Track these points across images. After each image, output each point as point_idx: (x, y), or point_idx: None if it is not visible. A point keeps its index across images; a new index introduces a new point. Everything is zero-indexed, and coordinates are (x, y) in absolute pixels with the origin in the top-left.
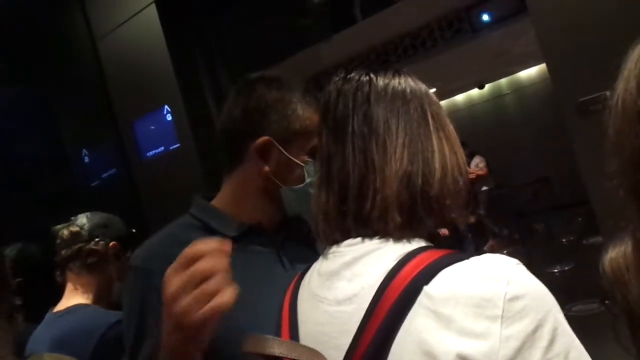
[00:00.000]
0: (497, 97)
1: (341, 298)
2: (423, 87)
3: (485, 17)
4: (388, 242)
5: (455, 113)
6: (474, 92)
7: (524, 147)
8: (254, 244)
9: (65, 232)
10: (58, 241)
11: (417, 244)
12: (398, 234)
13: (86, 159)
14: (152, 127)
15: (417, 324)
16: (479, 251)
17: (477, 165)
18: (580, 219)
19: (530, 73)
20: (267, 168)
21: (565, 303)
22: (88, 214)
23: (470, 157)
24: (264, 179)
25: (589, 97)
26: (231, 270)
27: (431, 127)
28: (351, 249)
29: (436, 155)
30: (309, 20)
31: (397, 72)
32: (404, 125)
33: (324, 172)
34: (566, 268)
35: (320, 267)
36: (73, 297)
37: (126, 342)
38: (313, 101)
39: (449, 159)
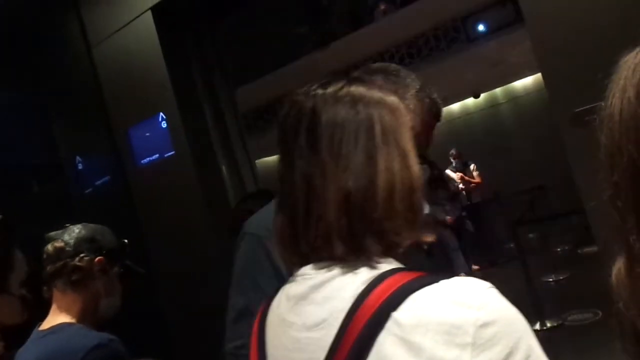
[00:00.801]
0: (492, 106)
1: (310, 323)
2: (376, 97)
3: (481, 27)
4: (356, 263)
5: (451, 122)
6: (470, 101)
7: (520, 156)
8: None
9: (50, 247)
10: (44, 256)
11: (388, 265)
12: (353, 259)
13: (80, 166)
14: (147, 134)
15: (387, 351)
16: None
17: (473, 171)
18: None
19: (526, 83)
20: None
21: (561, 312)
22: (77, 226)
23: (463, 167)
24: None
25: (584, 107)
26: None
27: (378, 143)
28: (319, 271)
29: (381, 173)
30: (305, 28)
31: (349, 83)
32: (347, 144)
33: (280, 195)
34: (561, 277)
35: (289, 290)
36: (58, 316)
37: (236, 292)
38: (426, 99)
39: (399, 176)
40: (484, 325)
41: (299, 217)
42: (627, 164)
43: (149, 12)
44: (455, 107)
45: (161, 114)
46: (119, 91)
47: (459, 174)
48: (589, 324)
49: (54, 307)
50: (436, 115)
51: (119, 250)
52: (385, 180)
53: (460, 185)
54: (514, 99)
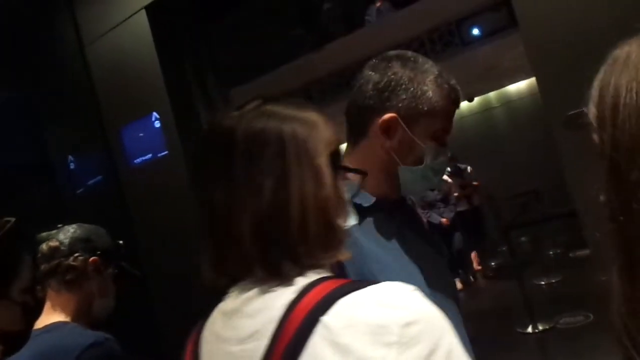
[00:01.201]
0: (486, 110)
1: (243, 336)
2: (290, 115)
3: (475, 31)
4: (288, 276)
5: None
6: (464, 105)
7: (513, 160)
8: (379, 217)
9: (45, 246)
10: (39, 255)
11: (317, 274)
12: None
13: (72, 166)
14: (140, 134)
15: (318, 355)
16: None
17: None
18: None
19: (520, 87)
20: (389, 144)
21: (553, 315)
22: (72, 226)
23: (458, 170)
24: (385, 155)
25: (578, 110)
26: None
27: (290, 164)
28: (253, 285)
29: (293, 197)
30: (300, 30)
31: (264, 103)
32: (259, 168)
33: (201, 219)
34: (553, 280)
35: (222, 307)
36: (52, 315)
37: None
38: (445, 85)
39: (313, 198)
40: (408, 324)
41: (221, 241)
42: None
43: (143, 11)
44: None
45: (154, 113)
46: (112, 90)
47: (458, 180)
48: (581, 327)
49: (47, 306)
50: (455, 101)
51: (113, 251)
52: (297, 204)
53: (456, 194)
54: (507, 103)
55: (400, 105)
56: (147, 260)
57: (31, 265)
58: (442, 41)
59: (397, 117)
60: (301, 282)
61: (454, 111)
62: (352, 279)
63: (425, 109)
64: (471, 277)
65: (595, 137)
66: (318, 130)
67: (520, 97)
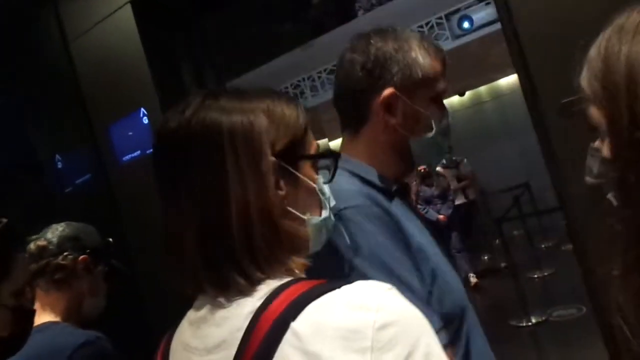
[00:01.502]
0: (477, 104)
1: (210, 346)
2: (228, 114)
3: (466, 25)
4: (267, 268)
5: None
6: (455, 99)
7: (504, 153)
8: (399, 201)
9: (33, 246)
10: (27, 255)
11: (287, 277)
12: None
13: (59, 165)
14: (128, 131)
15: None
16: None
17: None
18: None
19: (510, 81)
20: (394, 121)
21: (545, 308)
22: (60, 225)
23: (454, 163)
24: (392, 133)
25: (571, 98)
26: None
27: (228, 168)
28: (221, 292)
29: (232, 202)
30: (290, 25)
31: (204, 100)
32: (197, 179)
33: (163, 230)
34: (546, 274)
35: (190, 315)
36: (41, 315)
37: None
38: (431, 47)
39: (256, 204)
40: (383, 327)
41: (179, 252)
42: None
43: (129, 5)
44: None
45: (142, 109)
46: (99, 87)
47: (448, 171)
48: (574, 320)
49: (37, 307)
50: (443, 60)
51: (103, 249)
52: (237, 210)
53: (453, 186)
54: (498, 97)
55: (394, 79)
56: (138, 258)
57: (25, 267)
58: (432, 34)
59: (395, 92)
60: (269, 286)
61: (445, 70)
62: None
63: (420, 75)
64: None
65: (594, 112)
66: (260, 128)
67: (511, 91)
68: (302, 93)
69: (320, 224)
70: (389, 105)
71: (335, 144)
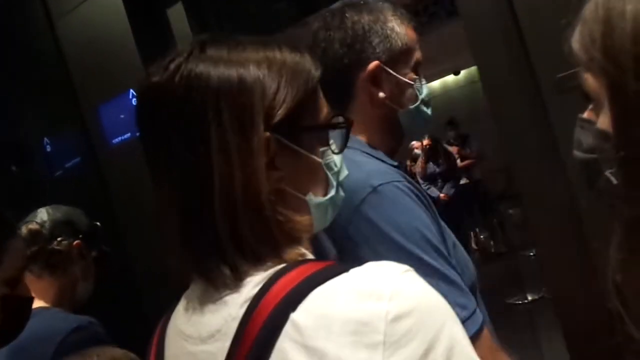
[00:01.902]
0: (472, 82)
1: (205, 335)
2: (217, 77)
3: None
4: (254, 259)
5: (433, 99)
6: (450, 78)
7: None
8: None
9: (24, 230)
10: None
11: (293, 256)
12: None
13: (48, 148)
14: (118, 113)
15: None
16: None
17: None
18: None
19: None
20: (381, 94)
21: (541, 286)
22: (49, 208)
23: (462, 139)
24: (380, 107)
25: (568, 72)
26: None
27: (211, 141)
28: (219, 273)
29: (215, 183)
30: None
31: (195, 47)
32: (176, 147)
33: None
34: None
35: (185, 299)
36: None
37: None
38: (404, 16)
39: (242, 183)
40: (397, 318)
41: (166, 235)
42: None
43: None
44: (436, 84)
45: (131, 90)
46: (86, 68)
47: (455, 148)
48: None
49: None
50: (415, 26)
51: (94, 232)
52: (222, 196)
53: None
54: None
55: (377, 51)
56: (130, 242)
57: (20, 254)
58: (427, 12)
59: (380, 64)
60: (272, 268)
61: (419, 39)
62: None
63: (400, 44)
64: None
65: (590, 80)
66: (254, 95)
67: None
68: None
69: (325, 204)
70: (375, 79)
71: None
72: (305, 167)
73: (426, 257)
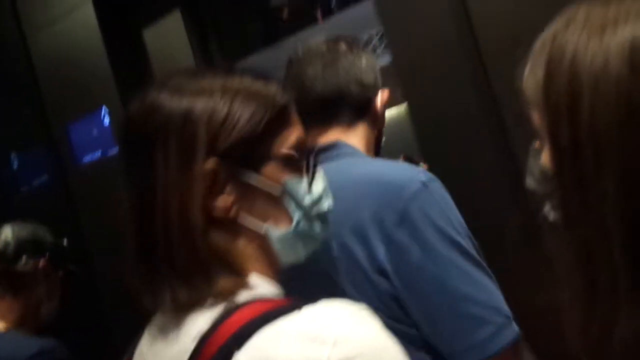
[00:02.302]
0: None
1: None
2: (169, 109)
3: None
4: (190, 289)
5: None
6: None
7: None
8: None
9: None
10: None
11: (253, 290)
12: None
13: (15, 165)
14: (89, 131)
15: None
16: None
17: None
18: None
19: None
20: (382, 117)
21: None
22: (14, 225)
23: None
24: (376, 128)
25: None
26: None
27: (157, 167)
28: (164, 301)
29: (157, 210)
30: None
31: (165, 77)
32: (133, 171)
33: None
34: None
35: (150, 325)
36: None
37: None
38: (372, 48)
39: (179, 210)
40: None
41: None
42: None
43: (90, 2)
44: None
45: (103, 108)
46: (58, 84)
47: None
48: None
49: None
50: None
51: (61, 251)
52: (163, 223)
53: None
54: None
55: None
56: (97, 262)
57: None
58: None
59: (389, 92)
60: (229, 303)
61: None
62: None
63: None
64: None
65: (535, 116)
66: (208, 107)
67: None
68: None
69: (288, 237)
70: (384, 105)
71: None
72: (263, 195)
73: (474, 254)
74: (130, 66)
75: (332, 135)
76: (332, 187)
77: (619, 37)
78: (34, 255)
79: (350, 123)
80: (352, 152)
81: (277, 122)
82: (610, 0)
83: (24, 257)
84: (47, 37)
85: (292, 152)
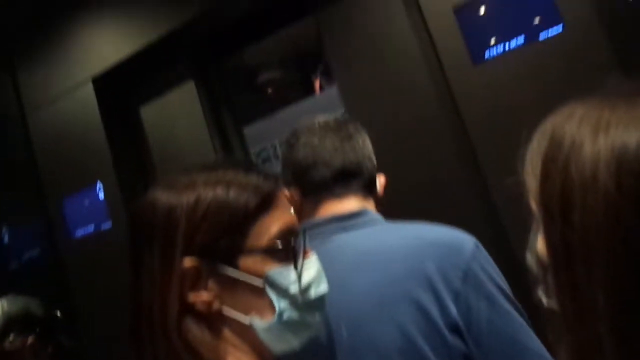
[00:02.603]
0: None
1: None
2: (153, 207)
3: None
4: None
5: None
6: None
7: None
8: None
9: None
10: None
11: None
12: None
13: (6, 238)
14: (83, 205)
15: None
16: None
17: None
18: None
19: None
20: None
21: None
22: (4, 302)
23: None
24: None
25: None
26: None
27: (143, 261)
28: None
29: (143, 304)
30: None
31: (157, 186)
32: (130, 265)
33: None
34: None
35: None
36: None
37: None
38: None
39: (159, 305)
40: None
41: None
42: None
43: (90, 82)
44: None
45: (99, 183)
46: (55, 159)
47: None
48: None
49: None
50: None
51: (51, 325)
52: (146, 317)
53: None
54: None
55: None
56: (89, 340)
57: None
58: None
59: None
60: None
61: None
62: None
63: None
64: None
65: (534, 204)
66: (189, 204)
67: None
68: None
69: (275, 327)
70: (383, 187)
71: None
72: (245, 288)
73: (520, 307)
74: (127, 142)
75: (350, 204)
76: (379, 251)
77: (609, 144)
78: (22, 332)
79: (364, 197)
80: (380, 219)
81: (259, 211)
82: (604, 105)
83: (11, 335)
84: (46, 114)
85: (274, 242)
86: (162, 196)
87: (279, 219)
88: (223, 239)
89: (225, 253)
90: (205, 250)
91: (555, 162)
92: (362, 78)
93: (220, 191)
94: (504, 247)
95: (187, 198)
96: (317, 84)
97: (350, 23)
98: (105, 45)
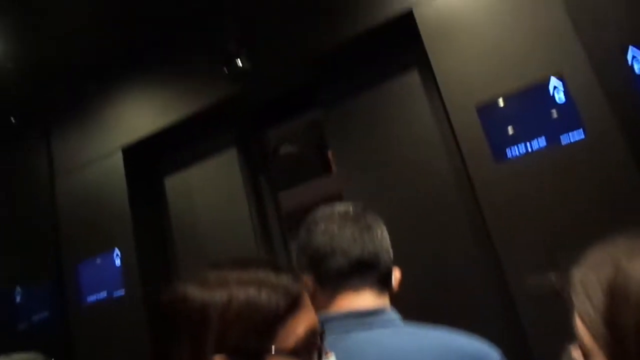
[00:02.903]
0: None
1: None
2: (185, 302)
3: None
4: None
5: None
6: None
7: None
8: None
9: None
10: None
11: None
12: None
13: (18, 298)
14: (98, 270)
15: None
16: None
17: None
18: None
19: None
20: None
21: None
22: (7, 358)
23: None
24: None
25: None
26: None
27: (172, 356)
28: None
29: None
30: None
31: (202, 269)
32: (161, 356)
33: None
34: None
35: None
36: None
37: None
38: None
39: None
40: None
41: None
42: None
43: (120, 152)
44: None
45: (116, 250)
46: (76, 223)
47: None
48: None
49: None
50: None
51: None
52: None
53: None
54: None
55: None
56: None
57: None
58: None
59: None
60: None
61: None
62: None
63: None
64: None
65: (587, 335)
66: (219, 304)
67: None
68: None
69: None
70: (398, 282)
71: None
72: None
73: None
74: (149, 211)
75: (367, 300)
76: (402, 355)
77: None
78: None
79: (380, 291)
80: (398, 319)
81: (288, 312)
82: None
83: None
84: (74, 180)
85: (299, 344)
86: (194, 292)
87: (304, 320)
88: (253, 339)
89: (254, 353)
90: (235, 350)
91: (627, 298)
92: (378, 165)
93: (252, 292)
94: (520, 340)
95: (220, 296)
96: (332, 159)
97: (374, 113)
98: (136, 117)
